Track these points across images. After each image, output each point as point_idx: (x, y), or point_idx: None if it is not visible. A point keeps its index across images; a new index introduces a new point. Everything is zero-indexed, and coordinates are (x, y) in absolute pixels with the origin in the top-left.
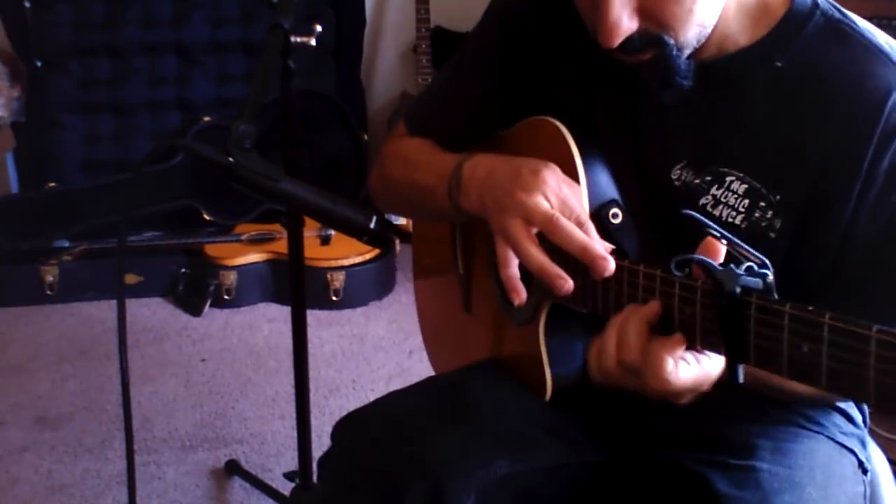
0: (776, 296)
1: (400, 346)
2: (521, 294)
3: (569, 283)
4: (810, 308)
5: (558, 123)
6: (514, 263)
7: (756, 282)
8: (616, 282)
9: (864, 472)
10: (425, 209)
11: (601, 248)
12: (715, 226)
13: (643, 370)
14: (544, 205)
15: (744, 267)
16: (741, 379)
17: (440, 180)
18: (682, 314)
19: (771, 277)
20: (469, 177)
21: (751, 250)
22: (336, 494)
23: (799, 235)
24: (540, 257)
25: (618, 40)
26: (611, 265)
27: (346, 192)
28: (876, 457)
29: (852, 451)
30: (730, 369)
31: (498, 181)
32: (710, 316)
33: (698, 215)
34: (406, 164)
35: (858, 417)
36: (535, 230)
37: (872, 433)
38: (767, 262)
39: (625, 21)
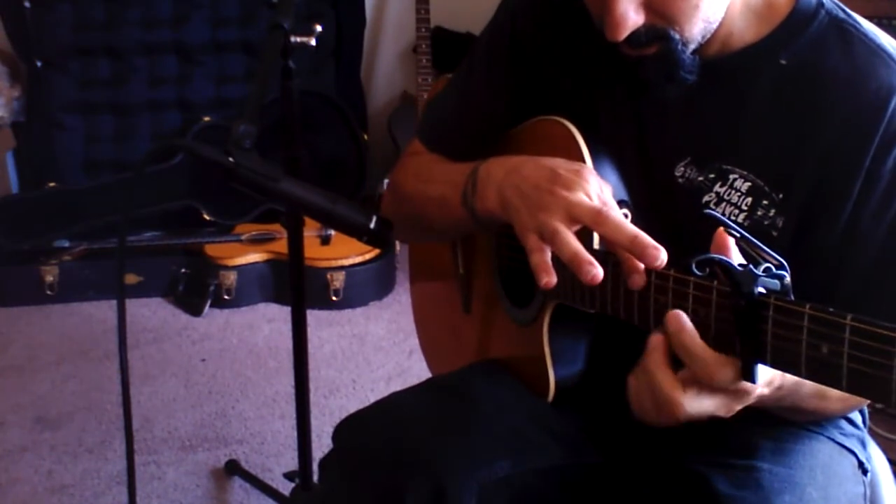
0: (793, 297)
1: (400, 346)
2: (552, 276)
3: (599, 271)
4: (831, 309)
5: (568, 123)
6: (547, 250)
7: (774, 283)
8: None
9: (865, 472)
10: (438, 223)
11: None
12: (735, 226)
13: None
14: (589, 201)
15: (762, 268)
16: (757, 380)
17: (454, 189)
18: (696, 315)
19: (788, 279)
20: (486, 178)
21: (769, 251)
22: (337, 495)
23: (800, 234)
24: (577, 244)
25: (624, 34)
26: (663, 254)
27: (346, 192)
28: (876, 457)
29: (852, 452)
30: (746, 370)
31: (527, 179)
32: (726, 317)
33: (719, 215)
34: (418, 179)
35: (858, 418)
36: (576, 227)
37: (872, 433)
38: (785, 263)
39: (631, 15)
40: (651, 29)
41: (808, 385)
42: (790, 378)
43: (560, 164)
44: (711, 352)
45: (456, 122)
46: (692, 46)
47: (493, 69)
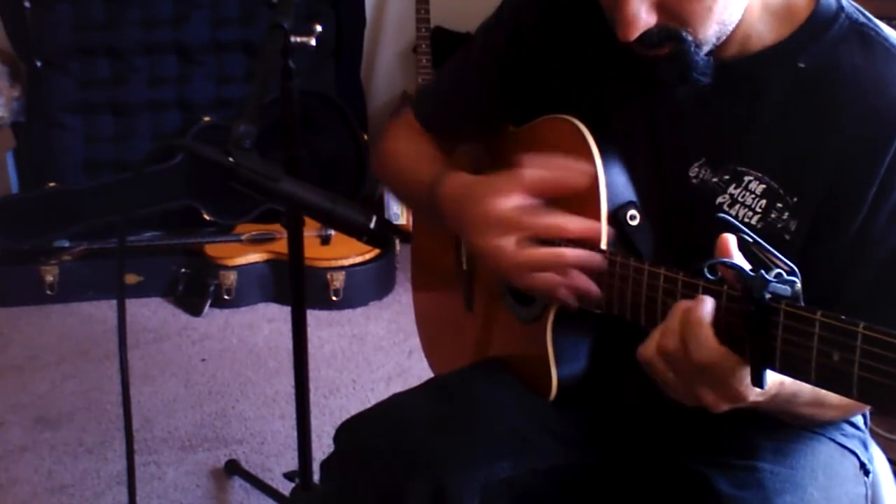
0: (803, 303)
1: (400, 346)
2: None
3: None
4: (842, 317)
5: (578, 123)
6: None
7: (785, 289)
8: (635, 283)
9: (866, 473)
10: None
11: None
12: (748, 231)
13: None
14: (508, 245)
15: (773, 273)
16: (766, 385)
17: (419, 203)
18: None
19: (799, 285)
20: (441, 202)
21: (780, 257)
22: (338, 495)
23: (812, 237)
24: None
25: (636, 33)
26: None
27: (346, 192)
28: (877, 458)
29: (854, 453)
30: (755, 375)
31: (476, 249)
32: (736, 321)
33: (733, 219)
34: (397, 169)
35: (860, 420)
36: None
37: (873, 434)
38: (796, 269)
39: (643, 15)
40: (664, 29)
41: (806, 394)
42: (787, 388)
43: (468, 207)
44: (718, 344)
45: (446, 104)
46: (706, 48)
47: (485, 67)
